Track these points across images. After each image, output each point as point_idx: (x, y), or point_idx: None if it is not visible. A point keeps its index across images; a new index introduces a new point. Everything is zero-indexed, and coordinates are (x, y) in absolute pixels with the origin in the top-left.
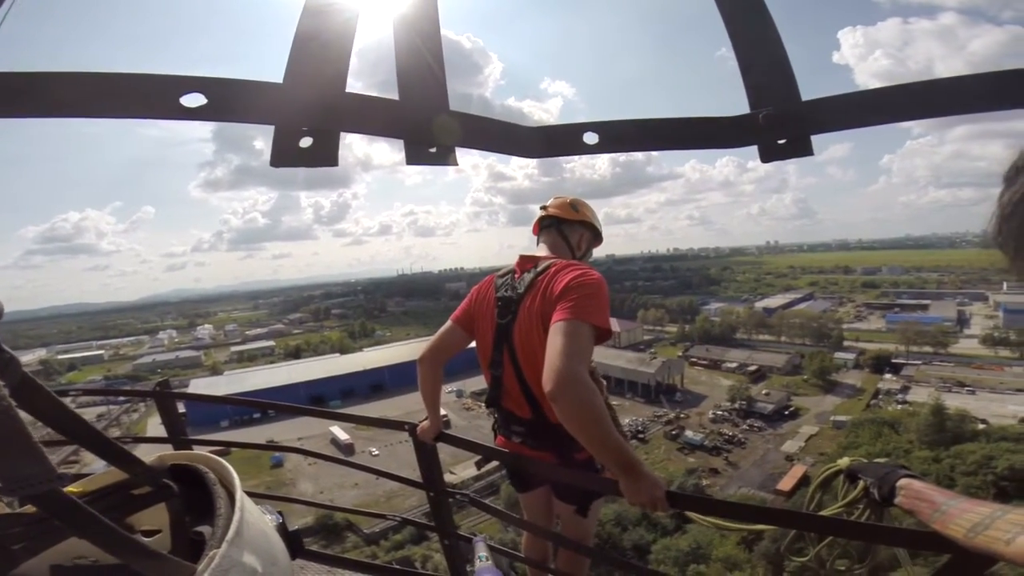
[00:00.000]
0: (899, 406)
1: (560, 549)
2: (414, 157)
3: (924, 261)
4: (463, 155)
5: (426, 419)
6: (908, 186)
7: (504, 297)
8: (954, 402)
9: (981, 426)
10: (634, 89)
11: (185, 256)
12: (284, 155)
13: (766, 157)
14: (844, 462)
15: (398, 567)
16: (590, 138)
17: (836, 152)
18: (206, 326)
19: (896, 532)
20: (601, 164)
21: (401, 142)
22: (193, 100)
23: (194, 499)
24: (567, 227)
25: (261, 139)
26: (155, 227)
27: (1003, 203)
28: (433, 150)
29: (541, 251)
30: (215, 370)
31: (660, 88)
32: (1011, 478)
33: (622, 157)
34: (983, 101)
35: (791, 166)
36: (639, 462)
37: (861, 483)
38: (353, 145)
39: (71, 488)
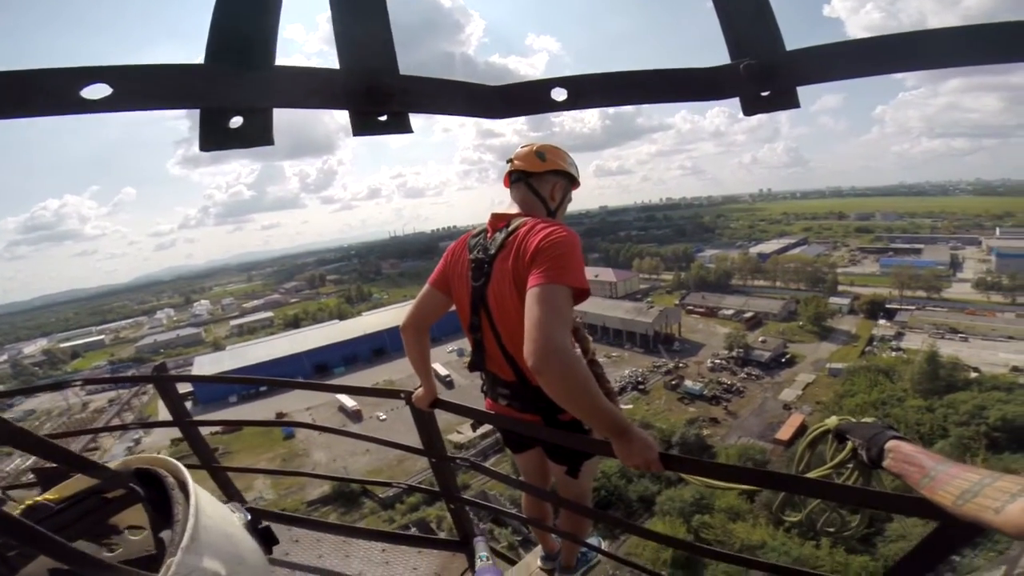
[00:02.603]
0: (893, 353)
1: (561, 508)
2: (361, 128)
3: (917, 207)
4: (423, 118)
5: (420, 386)
6: (901, 136)
7: (477, 259)
8: (947, 349)
9: (974, 375)
10: (623, 42)
11: (173, 234)
12: (212, 138)
13: (749, 110)
14: (832, 422)
15: (412, 532)
16: (558, 94)
17: (828, 102)
18: (203, 302)
19: (885, 497)
20: (590, 117)
21: None
22: (95, 92)
23: (160, 501)
24: (536, 179)
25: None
26: (138, 208)
27: None
28: (383, 118)
29: (513, 208)
30: (217, 346)
31: (651, 40)
32: (1003, 429)
33: (611, 110)
34: (979, 53)
35: (783, 116)
36: (629, 424)
37: (849, 444)
38: (335, 113)
39: (47, 495)
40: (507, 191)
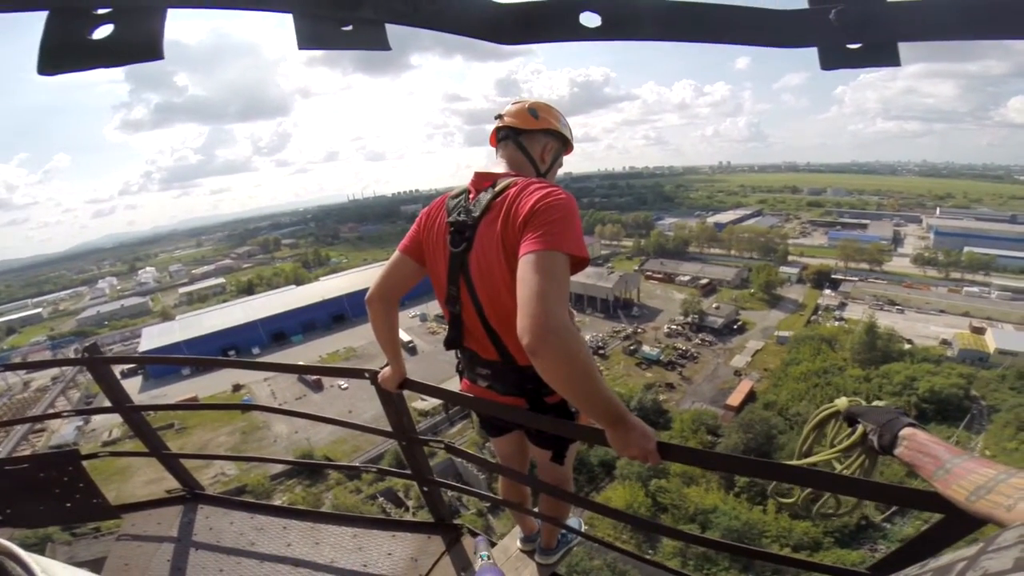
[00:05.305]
0: (836, 323)
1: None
2: (312, 38)
3: (866, 185)
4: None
5: (387, 365)
6: (858, 116)
7: (457, 222)
8: (885, 320)
9: (907, 346)
10: None
11: (112, 200)
12: (63, 53)
13: (829, 62)
14: (842, 403)
15: (383, 516)
16: (589, 19)
17: (792, 80)
18: (148, 269)
19: (894, 490)
20: (560, 84)
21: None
22: None
23: None
24: (526, 138)
25: (184, 74)
26: (72, 174)
27: None
28: (348, 28)
29: (499, 167)
30: (166, 315)
31: None
32: (930, 400)
33: (580, 77)
34: None
35: (747, 91)
36: (626, 412)
37: (860, 428)
38: (289, 75)
39: None
40: (475, 156)
